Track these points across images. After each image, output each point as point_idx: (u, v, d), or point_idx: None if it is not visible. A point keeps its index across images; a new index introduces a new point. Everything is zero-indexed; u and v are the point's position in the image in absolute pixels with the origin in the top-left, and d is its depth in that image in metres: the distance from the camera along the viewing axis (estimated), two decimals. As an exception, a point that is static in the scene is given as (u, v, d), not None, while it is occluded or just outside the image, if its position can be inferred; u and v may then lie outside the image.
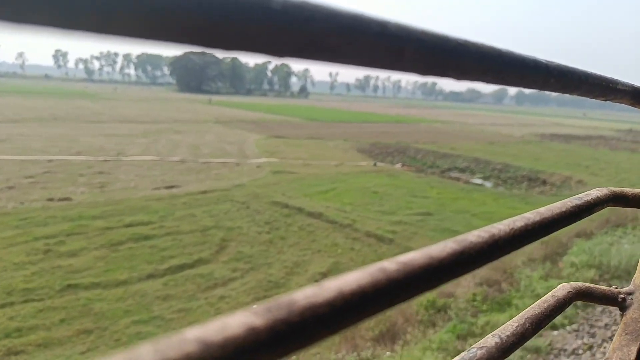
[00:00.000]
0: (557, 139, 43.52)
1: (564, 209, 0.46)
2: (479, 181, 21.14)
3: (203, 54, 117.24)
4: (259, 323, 0.18)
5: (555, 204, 0.47)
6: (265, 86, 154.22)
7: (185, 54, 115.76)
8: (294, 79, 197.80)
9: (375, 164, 20.86)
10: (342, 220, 11.76)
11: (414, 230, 11.52)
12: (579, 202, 0.51)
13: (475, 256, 0.31)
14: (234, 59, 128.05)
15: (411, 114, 75.53)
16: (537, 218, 0.41)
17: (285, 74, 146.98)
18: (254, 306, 0.19)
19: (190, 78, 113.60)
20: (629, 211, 7.10)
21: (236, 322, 0.18)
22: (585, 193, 0.55)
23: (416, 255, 0.27)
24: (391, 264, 0.25)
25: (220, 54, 0.18)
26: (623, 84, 0.51)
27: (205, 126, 33.37)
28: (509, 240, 0.35)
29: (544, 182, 21.24)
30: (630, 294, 0.70)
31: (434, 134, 39.25)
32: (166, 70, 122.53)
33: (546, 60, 0.36)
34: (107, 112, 40.00)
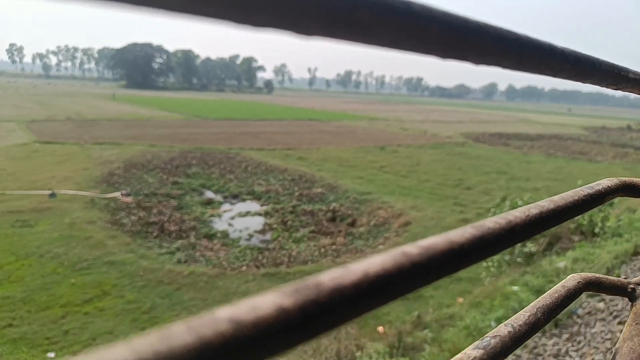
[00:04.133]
0: (493, 140, 34.55)
1: (576, 198, 0.46)
2: (256, 221, 12.33)
3: (148, 46, 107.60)
4: (289, 303, 0.18)
5: (567, 192, 0.47)
6: (233, 82, 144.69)
7: (129, 45, 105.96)
8: (270, 74, 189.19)
9: (52, 194, 12.01)
10: None
11: None
12: (590, 192, 0.50)
13: (494, 241, 0.31)
14: (187, 52, 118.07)
15: (364, 110, 66.71)
16: (551, 206, 0.41)
17: (247, 68, 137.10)
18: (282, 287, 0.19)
19: (134, 72, 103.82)
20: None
21: (266, 302, 0.18)
22: (595, 182, 0.55)
23: (437, 240, 0.27)
24: (413, 248, 0.25)
25: (250, 31, 0.17)
26: (634, 73, 0.50)
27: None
28: (524, 226, 0.36)
29: (352, 224, 12.46)
30: (639, 284, 0.70)
31: (319, 135, 30.35)
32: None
33: (561, 46, 0.35)
34: None
